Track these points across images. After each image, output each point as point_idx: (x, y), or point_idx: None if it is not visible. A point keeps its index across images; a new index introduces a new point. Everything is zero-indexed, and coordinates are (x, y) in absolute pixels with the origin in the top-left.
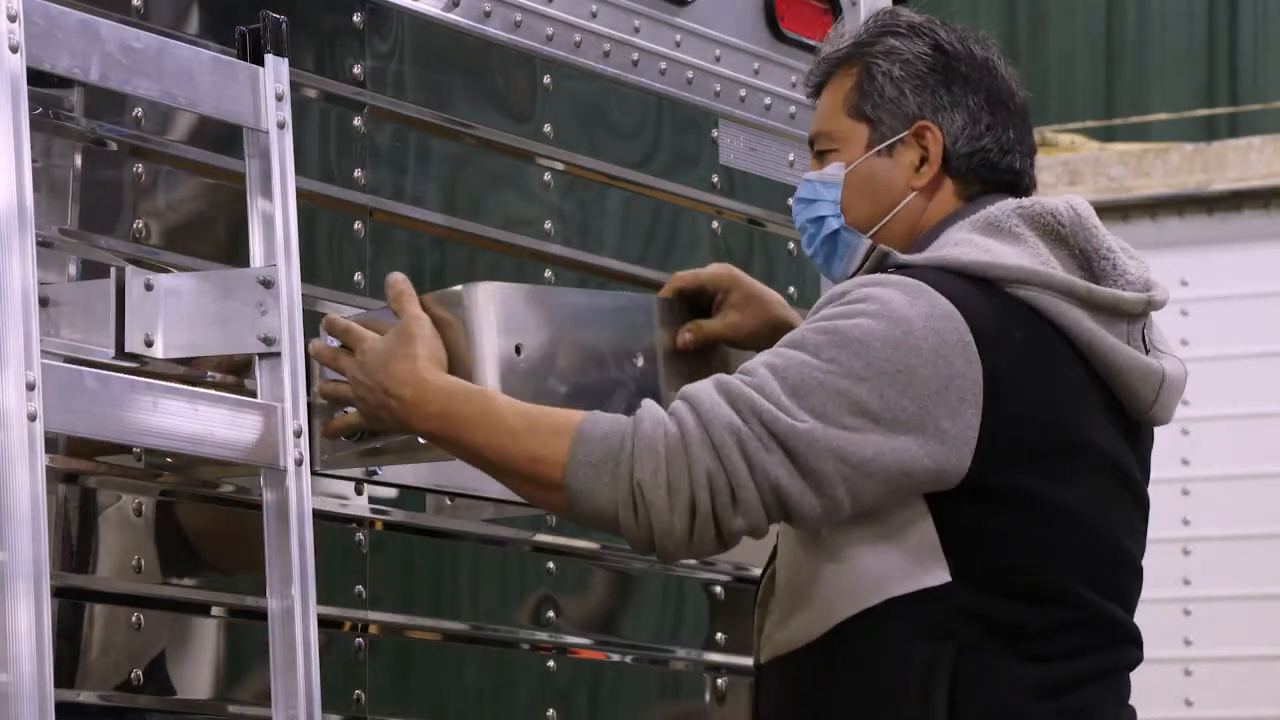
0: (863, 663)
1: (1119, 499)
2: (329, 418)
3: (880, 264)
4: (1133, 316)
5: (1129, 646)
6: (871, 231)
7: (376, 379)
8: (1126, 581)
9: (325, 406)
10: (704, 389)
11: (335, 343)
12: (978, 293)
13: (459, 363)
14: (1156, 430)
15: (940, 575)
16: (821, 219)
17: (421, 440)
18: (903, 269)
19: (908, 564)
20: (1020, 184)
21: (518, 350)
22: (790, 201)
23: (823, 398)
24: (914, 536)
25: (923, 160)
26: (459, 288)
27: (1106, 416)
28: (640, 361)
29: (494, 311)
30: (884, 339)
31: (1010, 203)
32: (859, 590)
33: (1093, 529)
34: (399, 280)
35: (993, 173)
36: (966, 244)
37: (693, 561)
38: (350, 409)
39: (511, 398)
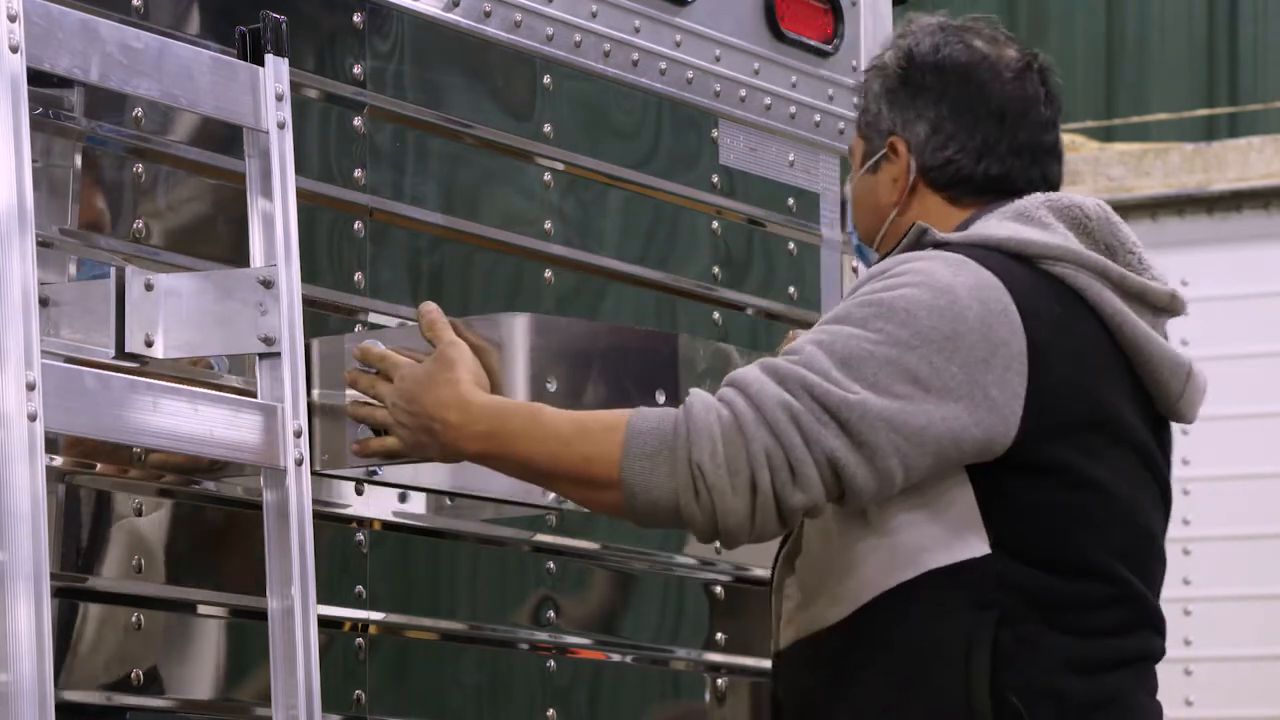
0: (900, 636)
1: (1147, 484)
2: (366, 439)
3: (917, 241)
4: (1157, 309)
5: (1156, 636)
6: (874, 245)
7: (419, 405)
8: (1154, 567)
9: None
10: (749, 372)
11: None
12: (1016, 267)
13: (494, 389)
14: None
15: (980, 547)
16: (851, 234)
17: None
18: (940, 246)
19: (947, 536)
20: (1013, 187)
21: (549, 384)
22: None
23: (874, 367)
24: (954, 508)
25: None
26: (495, 316)
27: (1135, 402)
28: (662, 398)
29: (529, 344)
30: (930, 307)
31: (1039, 196)
32: (897, 564)
33: (1126, 507)
34: (431, 310)
35: (969, 183)
36: (998, 229)
37: (693, 561)
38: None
39: (556, 408)
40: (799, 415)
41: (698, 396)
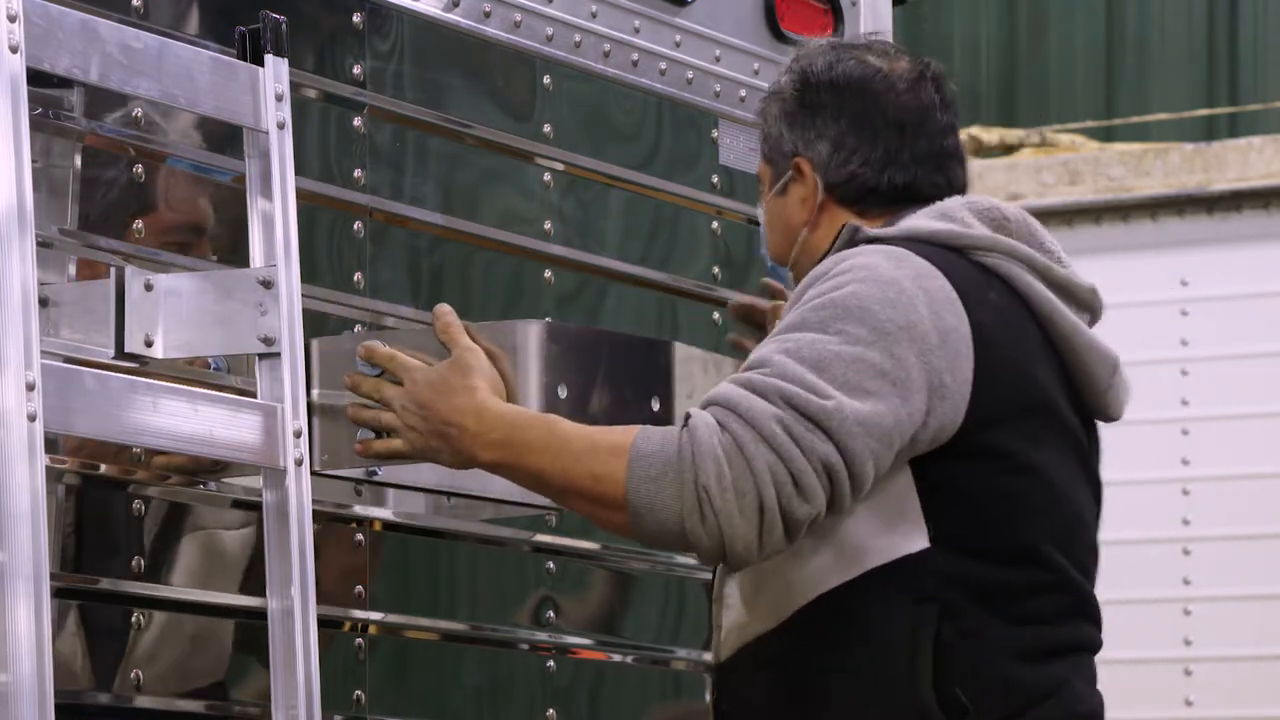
0: (843, 635)
1: (1078, 475)
2: (370, 439)
3: (850, 240)
4: (1080, 304)
5: (1092, 626)
6: (788, 264)
7: (435, 410)
8: (1088, 557)
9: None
10: (731, 390)
11: (370, 370)
12: (951, 257)
13: (502, 394)
14: (1156, 431)
15: (919, 541)
16: (763, 255)
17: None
18: (873, 241)
19: (888, 531)
20: (920, 194)
21: (560, 391)
22: None
23: (843, 368)
24: (895, 502)
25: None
26: (508, 323)
27: (1065, 393)
28: (656, 406)
29: (543, 351)
30: (881, 300)
31: (959, 199)
32: (838, 564)
33: (1061, 494)
34: (446, 312)
35: (876, 194)
36: (924, 224)
37: (692, 561)
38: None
39: (569, 418)
40: (790, 426)
41: (700, 418)
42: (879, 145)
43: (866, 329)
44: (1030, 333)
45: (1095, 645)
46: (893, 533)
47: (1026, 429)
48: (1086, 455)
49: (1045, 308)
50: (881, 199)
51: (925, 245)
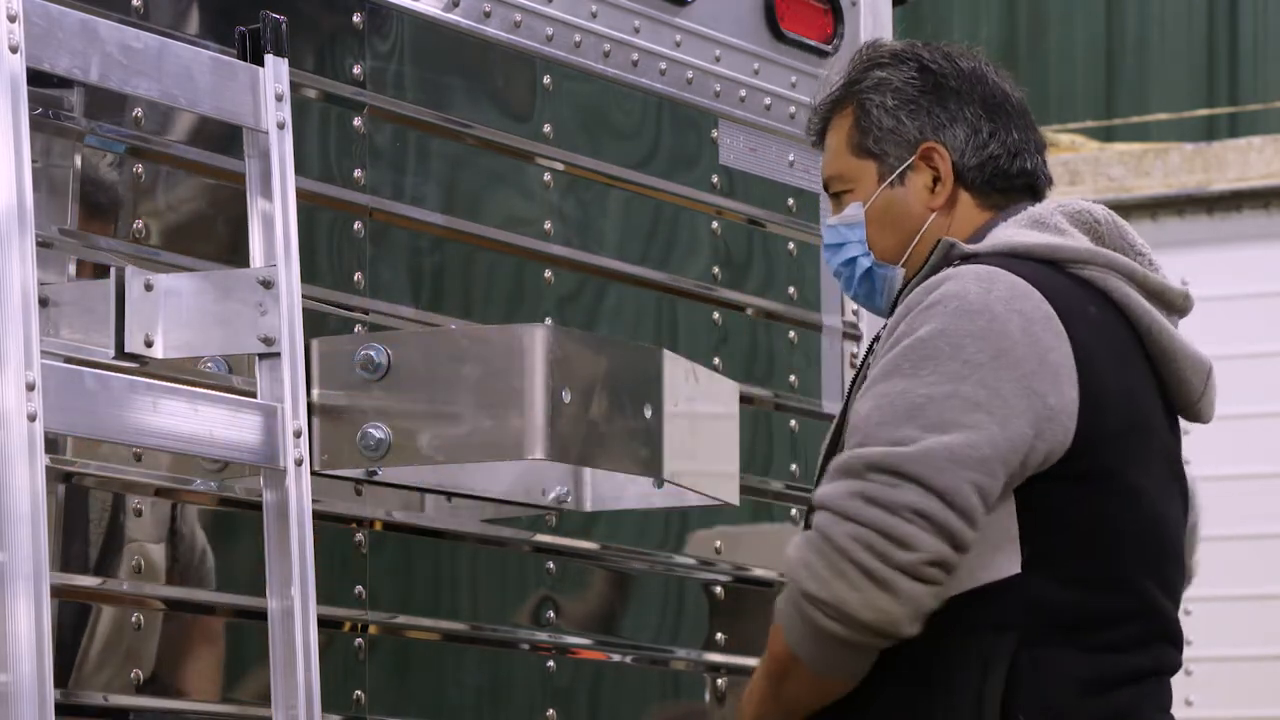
0: (917, 658)
1: (1170, 490)
2: None
3: (946, 256)
4: (1173, 309)
5: (1172, 649)
6: (902, 260)
7: None
8: (1175, 576)
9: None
10: (822, 489)
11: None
12: (1049, 272)
13: (508, 398)
14: None
15: (1011, 566)
16: (853, 260)
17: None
18: (969, 259)
19: (983, 556)
20: (1037, 183)
21: (564, 395)
22: (821, 249)
23: (936, 410)
24: (994, 526)
25: (935, 180)
26: (512, 327)
27: (1160, 404)
28: (649, 413)
29: (548, 356)
30: (969, 333)
31: (1050, 203)
32: None
33: (1156, 514)
34: None
35: (1006, 178)
36: (1022, 236)
37: (692, 561)
38: None
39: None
40: (866, 491)
41: (790, 545)
42: (1012, 130)
43: (957, 364)
44: (1129, 346)
45: (1173, 668)
46: (987, 557)
47: (1126, 448)
48: (1180, 469)
49: (1145, 320)
50: (1005, 185)
51: (1024, 260)
